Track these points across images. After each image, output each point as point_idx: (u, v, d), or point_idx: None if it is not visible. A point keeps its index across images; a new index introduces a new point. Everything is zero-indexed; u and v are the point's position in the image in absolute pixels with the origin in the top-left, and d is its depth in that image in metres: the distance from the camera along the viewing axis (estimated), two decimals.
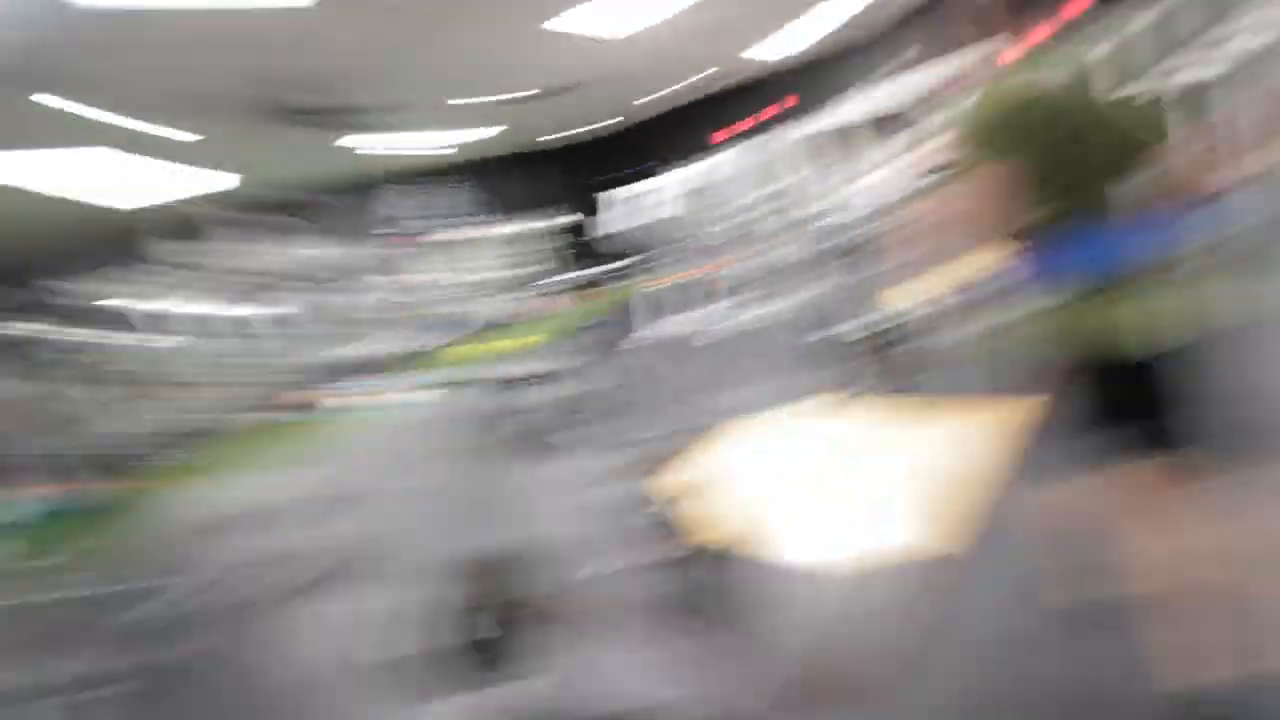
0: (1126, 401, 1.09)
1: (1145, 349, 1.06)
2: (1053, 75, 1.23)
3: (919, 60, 5.42)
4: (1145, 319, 1.06)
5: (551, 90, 5.60)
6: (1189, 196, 1.16)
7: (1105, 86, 1.59)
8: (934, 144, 4.79)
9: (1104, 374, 1.10)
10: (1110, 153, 1.13)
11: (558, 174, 9.36)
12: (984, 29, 1.30)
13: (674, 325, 5.96)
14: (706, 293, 6.23)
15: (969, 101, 1.28)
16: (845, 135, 6.29)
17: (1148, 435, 1.08)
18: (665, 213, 6.73)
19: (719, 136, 7.65)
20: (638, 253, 7.31)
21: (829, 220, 5.62)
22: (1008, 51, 1.27)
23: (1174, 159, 1.15)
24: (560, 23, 4.20)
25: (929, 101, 5.20)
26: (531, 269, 8.22)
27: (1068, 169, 1.10)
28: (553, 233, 8.98)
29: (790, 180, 6.78)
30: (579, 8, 3.99)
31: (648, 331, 5.95)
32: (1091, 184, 1.11)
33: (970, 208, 1.16)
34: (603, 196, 7.59)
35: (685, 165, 7.49)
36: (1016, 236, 1.17)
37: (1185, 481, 1.09)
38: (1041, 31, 1.32)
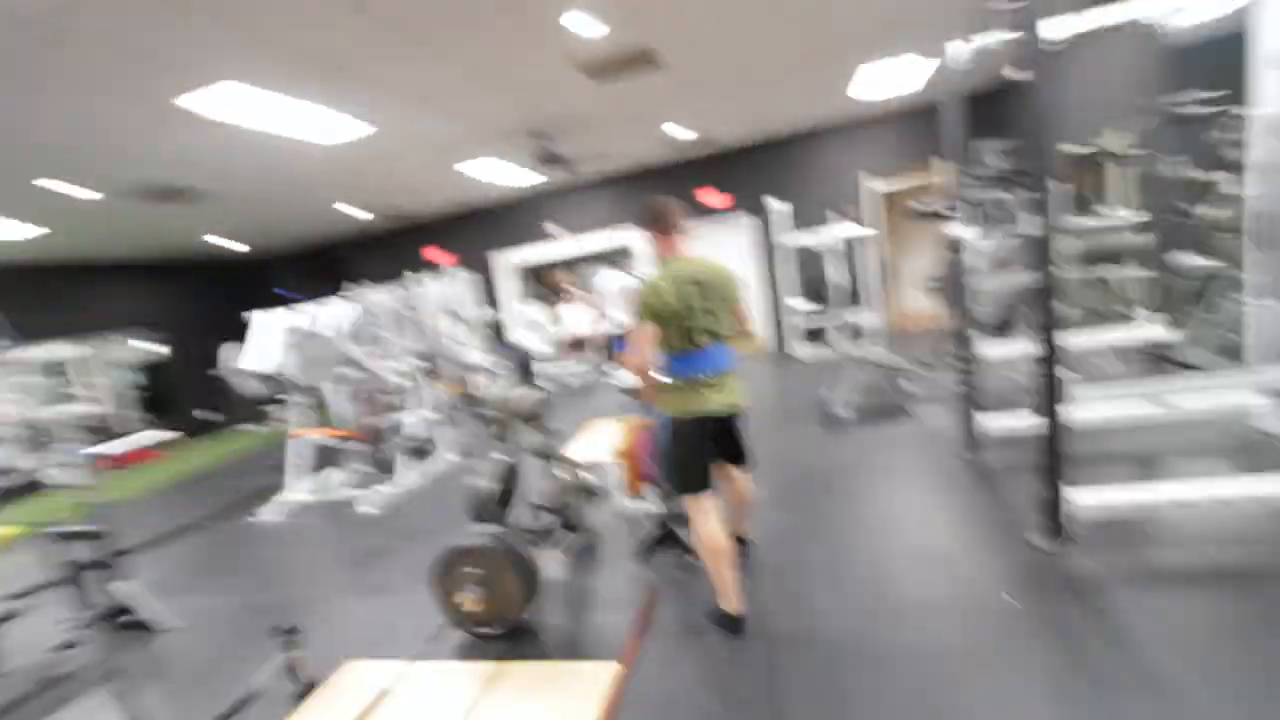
0: (716, 438, 2.44)
1: (727, 412, 2.40)
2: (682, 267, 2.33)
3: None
4: (726, 397, 2.36)
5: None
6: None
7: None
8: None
9: (705, 423, 2.36)
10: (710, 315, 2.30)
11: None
12: (657, 227, 2.40)
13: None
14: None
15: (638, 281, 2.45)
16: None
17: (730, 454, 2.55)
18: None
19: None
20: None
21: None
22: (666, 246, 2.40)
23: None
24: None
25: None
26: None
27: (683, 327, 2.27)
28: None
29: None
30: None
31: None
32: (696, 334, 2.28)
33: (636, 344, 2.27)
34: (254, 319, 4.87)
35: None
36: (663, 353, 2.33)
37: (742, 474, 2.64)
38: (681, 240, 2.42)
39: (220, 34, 3.30)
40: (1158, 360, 3.38)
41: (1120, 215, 4.26)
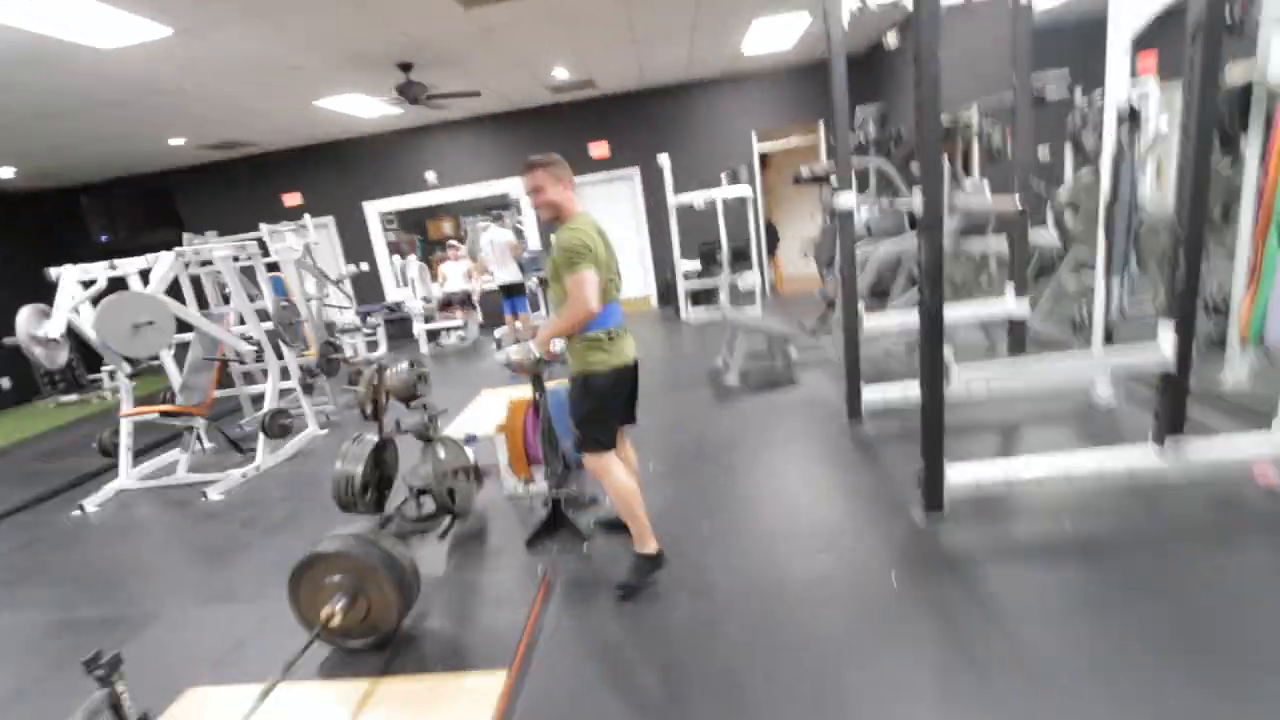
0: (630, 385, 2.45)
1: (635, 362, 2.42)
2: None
3: None
4: (634, 348, 2.41)
5: None
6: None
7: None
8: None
9: (624, 375, 2.37)
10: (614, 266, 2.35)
11: None
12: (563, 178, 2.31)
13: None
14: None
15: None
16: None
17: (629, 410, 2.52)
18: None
19: None
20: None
21: None
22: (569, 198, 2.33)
23: None
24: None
25: None
26: None
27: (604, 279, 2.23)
28: None
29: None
30: None
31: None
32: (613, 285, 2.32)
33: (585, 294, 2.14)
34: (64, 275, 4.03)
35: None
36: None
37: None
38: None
39: None
40: (1014, 333, 3.67)
41: (986, 189, 4.52)
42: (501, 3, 4.42)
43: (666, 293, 8.48)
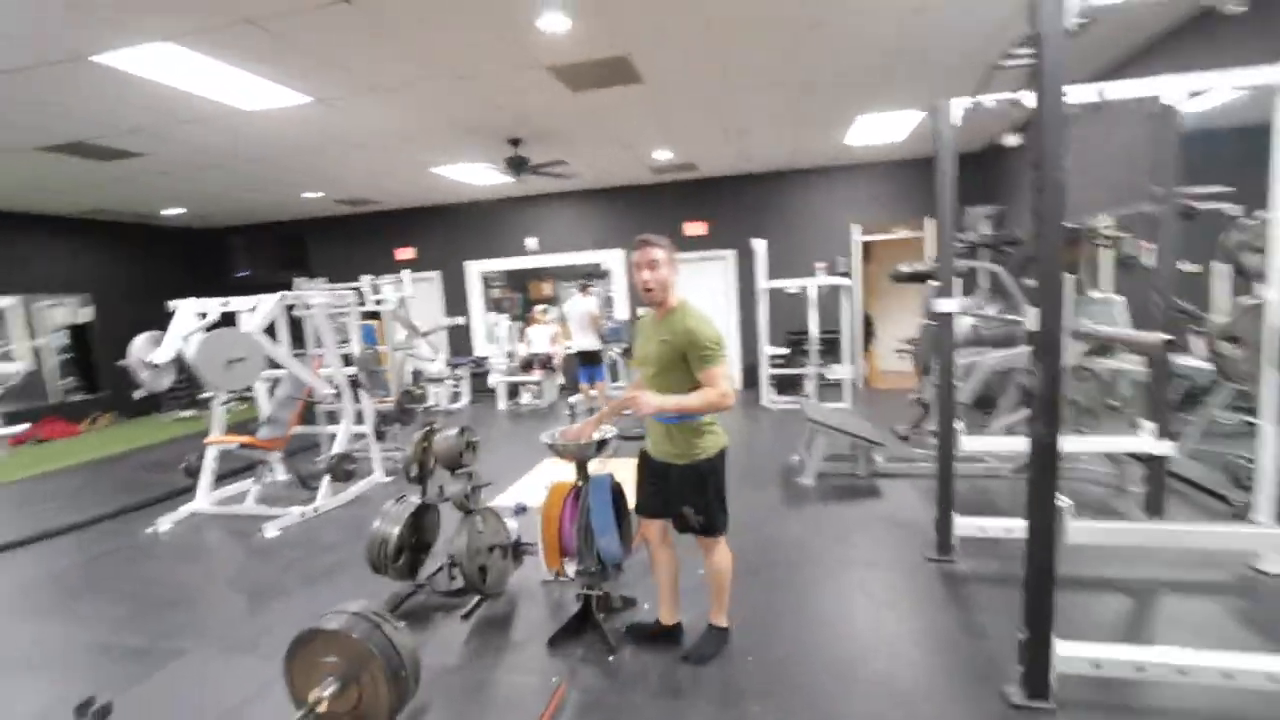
0: None
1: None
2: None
3: None
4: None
5: None
6: None
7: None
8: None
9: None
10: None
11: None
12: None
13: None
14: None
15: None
16: None
17: None
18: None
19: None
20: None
21: None
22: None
23: None
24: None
25: None
26: None
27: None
28: None
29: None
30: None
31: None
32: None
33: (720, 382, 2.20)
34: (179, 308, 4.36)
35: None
36: None
37: None
38: None
39: None
40: (1151, 474, 3.09)
41: (1117, 302, 4.02)
42: (605, 89, 4.58)
43: (750, 376, 8.19)
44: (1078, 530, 1.94)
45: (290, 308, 4.81)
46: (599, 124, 5.52)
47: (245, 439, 4.41)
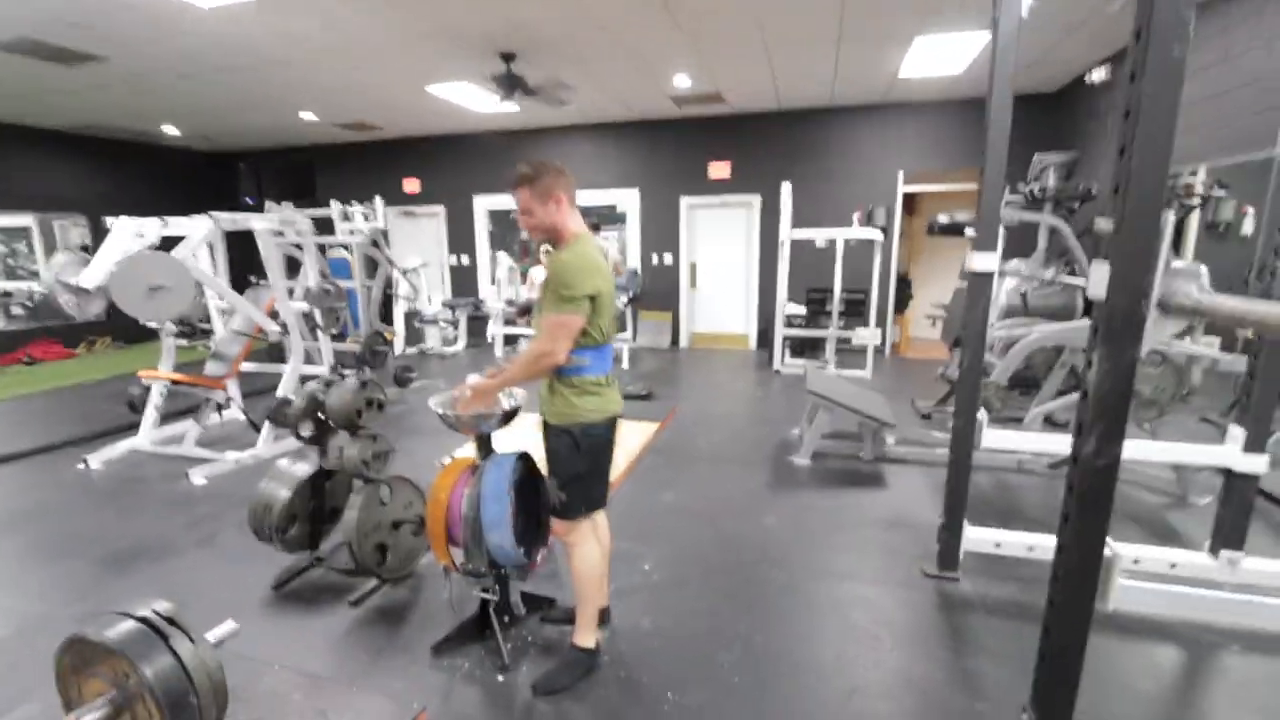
0: None
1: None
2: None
3: None
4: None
5: None
6: None
7: None
8: None
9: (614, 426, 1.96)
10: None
11: None
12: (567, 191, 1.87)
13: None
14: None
15: None
16: None
17: None
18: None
19: None
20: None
21: None
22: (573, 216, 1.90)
23: None
24: None
25: None
26: None
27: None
28: None
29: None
30: None
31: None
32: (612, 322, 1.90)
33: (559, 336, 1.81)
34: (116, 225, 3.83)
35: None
36: None
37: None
38: None
39: None
40: (1233, 495, 2.38)
41: (1199, 273, 3.21)
42: None
43: (766, 335, 7.50)
44: (1129, 594, 1.31)
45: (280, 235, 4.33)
46: (609, 36, 4.75)
47: (179, 376, 4.03)
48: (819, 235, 6.28)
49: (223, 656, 2.04)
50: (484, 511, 1.91)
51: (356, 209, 5.06)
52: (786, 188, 6.28)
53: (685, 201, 7.94)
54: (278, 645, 2.19)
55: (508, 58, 5.13)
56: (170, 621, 1.62)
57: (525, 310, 7.56)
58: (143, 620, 1.59)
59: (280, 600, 2.51)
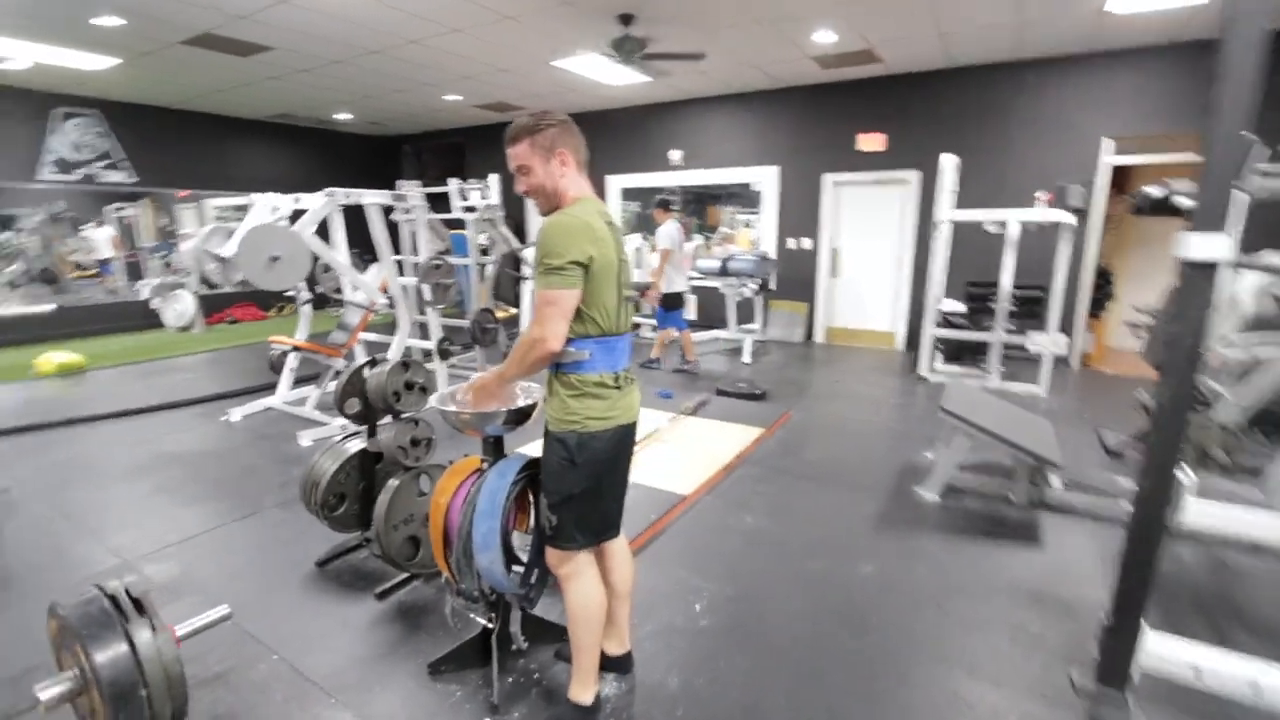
0: None
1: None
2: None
3: None
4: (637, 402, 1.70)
5: None
6: None
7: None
8: None
9: (628, 438, 1.65)
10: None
11: None
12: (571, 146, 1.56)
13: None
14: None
15: None
16: None
17: None
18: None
19: None
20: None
21: None
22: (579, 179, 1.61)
23: None
24: None
25: None
26: None
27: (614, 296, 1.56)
28: None
29: None
30: None
31: None
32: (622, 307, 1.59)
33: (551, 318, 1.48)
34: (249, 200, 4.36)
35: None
36: None
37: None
38: None
39: None
40: None
41: None
42: None
43: (916, 335, 6.50)
44: None
45: (388, 210, 4.51)
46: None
47: (302, 343, 4.28)
48: (986, 217, 5.23)
49: (229, 633, 1.98)
50: (474, 529, 1.62)
51: (474, 186, 5.07)
52: (949, 160, 5.29)
53: (829, 179, 7.12)
54: (295, 626, 2.13)
55: (626, 19, 4.80)
56: (138, 606, 1.54)
57: (644, 289, 7.26)
58: (112, 598, 1.52)
59: (319, 577, 2.46)
